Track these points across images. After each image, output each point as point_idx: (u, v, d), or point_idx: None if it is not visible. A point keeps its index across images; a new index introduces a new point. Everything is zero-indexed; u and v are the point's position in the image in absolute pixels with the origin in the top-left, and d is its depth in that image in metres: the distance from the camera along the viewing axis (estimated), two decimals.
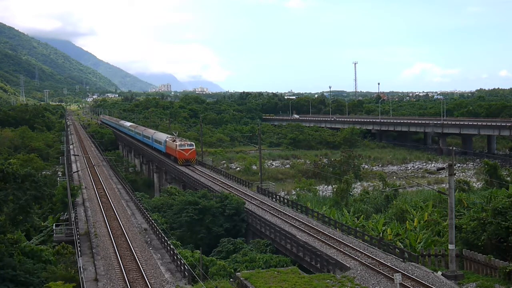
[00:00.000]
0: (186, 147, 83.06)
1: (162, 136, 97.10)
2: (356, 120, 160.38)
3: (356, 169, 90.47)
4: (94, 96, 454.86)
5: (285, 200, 56.58)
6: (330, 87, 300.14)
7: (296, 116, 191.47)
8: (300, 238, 39.50)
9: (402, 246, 38.02)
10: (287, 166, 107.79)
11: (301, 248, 37.52)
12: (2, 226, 35.70)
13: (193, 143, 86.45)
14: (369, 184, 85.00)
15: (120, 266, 34.95)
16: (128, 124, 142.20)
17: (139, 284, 31.86)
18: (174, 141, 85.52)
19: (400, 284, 28.18)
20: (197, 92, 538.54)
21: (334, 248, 36.99)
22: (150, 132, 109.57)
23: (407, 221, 46.11)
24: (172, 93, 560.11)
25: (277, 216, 47.81)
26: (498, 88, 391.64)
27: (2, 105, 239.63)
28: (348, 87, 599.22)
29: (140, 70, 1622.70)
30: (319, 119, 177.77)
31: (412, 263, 32.95)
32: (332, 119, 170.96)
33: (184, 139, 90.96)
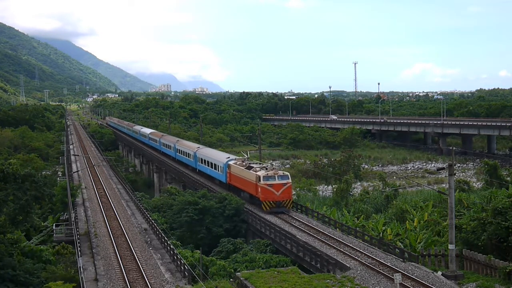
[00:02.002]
0: (277, 181, 47.73)
1: (218, 156, 63.28)
2: (356, 120, 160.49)
3: (356, 169, 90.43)
4: (94, 96, 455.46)
5: None
6: (330, 87, 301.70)
7: (334, 117, 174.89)
8: (300, 238, 39.48)
9: (402, 246, 38.00)
10: (287, 166, 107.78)
11: (301, 248, 37.50)
12: (2, 226, 35.69)
13: (288, 174, 49.86)
14: (369, 184, 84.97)
15: (120, 266, 34.96)
16: (147, 131, 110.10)
17: (139, 284, 31.86)
18: (249, 167, 51.66)
19: (400, 284, 28.18)
20: (197, 92, 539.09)
21: (334, 248, 36.97)
22: (190, 146, 76.58)
23: (407, 221, 46.09)
24: (172, 93, 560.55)
25: (277, 216, 47.77)
26: (498, 88, 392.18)
27: (2, 105, 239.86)
28: (348, 87, 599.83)
29: (140, 70, 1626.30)
30: (319, 119, 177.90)
31: (412, 263, 32.93)
32: (330, 118, 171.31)
33: (269, 165, 53.43)
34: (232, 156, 60.99)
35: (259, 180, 47.97)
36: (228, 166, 56.85)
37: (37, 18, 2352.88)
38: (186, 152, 75.95)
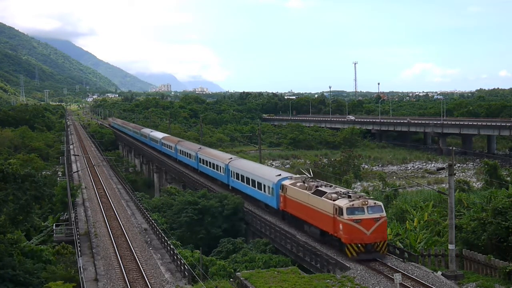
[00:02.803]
0: (368, 215, 33.67)
1: (263, 173, 50.09)
2: (356, 120, 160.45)
3: (356, 169, 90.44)
4: (94, 96, 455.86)
5: None
6: (330, 87, 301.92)
7: (351, 118, 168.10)
8: (300, 238, 39.46)
9: (402, 246, 37.98)
10: (287, 166, 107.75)
11: (301, 248, 37.47)
12: (2, 226, 35.71)
13: (381, 204, 35.38)
14: (369, 184, 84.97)
15: (120, 266, 34.97)
16: (159, 135, 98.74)
17: (139, 284, 31.86)
18: (318, 192, 37.62)
19: (400, 284, 28.16)
20: (197, 92, 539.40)
21: (334, 248, 36.91)
22: (219, 157, 63.98)
23: (407, 221, 46.04)
24: (172, 93, 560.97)
25: (277, 216, 47.73)
26: (498, 88, 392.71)
27: (2, 105, 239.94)
28: (348, 87, 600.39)
29: (140, 70, 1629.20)
30: (319, 119, 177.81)
31: (412, 263, 32.91)
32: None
33: (353, 192, 37.25)
34: (284, 173, 47.86)
35: (340, 214, 33.69)
36: (282, 187, 43.20)
37: (37, 18, 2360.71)
38: (214, 164, 63.37)
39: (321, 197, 36.55)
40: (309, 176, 42.24)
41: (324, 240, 37.14)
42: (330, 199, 35.36)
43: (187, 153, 76.53)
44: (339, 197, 35.24)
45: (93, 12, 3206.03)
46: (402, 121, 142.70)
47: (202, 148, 74.14)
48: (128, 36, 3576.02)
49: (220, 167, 60.88)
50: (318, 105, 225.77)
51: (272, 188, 45.69)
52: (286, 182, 43.11)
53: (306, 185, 40.45)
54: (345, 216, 33.46)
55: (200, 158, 69.83)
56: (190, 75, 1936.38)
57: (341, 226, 33.95)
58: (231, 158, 60.66)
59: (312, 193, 38.10)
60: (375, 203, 34.72)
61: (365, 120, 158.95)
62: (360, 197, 34.79)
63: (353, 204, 33.79)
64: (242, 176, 53.63)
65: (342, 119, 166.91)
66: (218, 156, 64.40)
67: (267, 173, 49.23)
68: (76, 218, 48.03)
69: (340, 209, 33.85)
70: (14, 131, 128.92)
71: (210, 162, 65.14)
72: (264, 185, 47.61)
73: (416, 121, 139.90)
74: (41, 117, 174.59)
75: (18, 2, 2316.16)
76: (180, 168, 77.82)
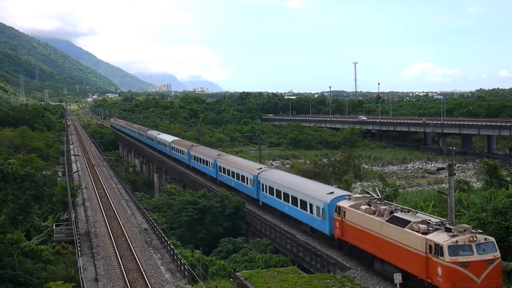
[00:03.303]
0: (477, 256, 24.43)
1: (306, 188, 41.54)
2: (356, 120, 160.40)
3: (356, 169, 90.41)
4: (94, 96, 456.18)
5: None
6: (330, 87, 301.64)
7: (364, 118, 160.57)
8: (300, 238, 39.44)
9: None
10: (287, 166, 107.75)
11: (301, 248, 37.47)
12: (2, 226, 35.71)
13: (493, 239, 25.73)
14: (369, 184, 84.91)
15: (120, 266, 34.98)
16: (168, 139, 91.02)
17: (139, 284, 31.87)
18: (395, 219, 28.48)
19: (400, 284, 28.13)
20: (197, 92, 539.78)
21: (334, 248, 36.89)
22: (245, 166, 56.12)
23: None
24: (172, 93, 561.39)
25: (277, 216, 47.72)
26: (498, 88, 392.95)
27: (2, 105, 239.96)
28: (348, 87, 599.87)
29: (140, 70, 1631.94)
30: (319, 119, 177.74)
31: None
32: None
33: (448, 221, 28.41)
34: (337, 190, 39.03)
35: (439, 253, 24.71)
36: (338, 209, 34.03)
37: (37, 18, 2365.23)
38: (238, 174, 55.28)
39: (403, 227, 27.46)
40: (377, 196, 33.52)
41: (408, 284, 27.67)
42: (418, 231, 26.29)
43: (204, 160, 68.11)
44: (431, 228, 26.27)
45: (93, 12, 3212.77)
46: (417, 121, 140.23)
47: (222, 154, 66.11)
48: (128, 36, 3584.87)
49: (247, 178, 52.63)
50: (318, 105, 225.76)
51: (322, 209, 36.77)
52: (344, 204, 33.91)
53: (373, 208, 31.37)
54: (447, 257, 24.36)
55: (220, 166, 61.53)
56: (190, 75, 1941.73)
57: (440, 271, 24.80)
58: (261, 168, 52.05)
59: (386, 221, 29.06)
60: (485, 238, 25.52)
61: (365, 120, 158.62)
62: (465, 230, 25.35)
63: (457, 241, 24.68)
64: (278, 191, 44.99)
65: (354, 119, 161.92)
66: (244, 166, 56.07)
67: (314, 190, 40.25)
68: (76, 218, 48.04)
69: (439, 247, 24.73)
70: (14, 131, 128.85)
71: (233, 172, 56.96)
72: (311, 205, 38.68)
73: (417, 121, 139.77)
74: (41, 117, 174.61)
75: (18, 2, 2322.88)
76: (196, 177, 69.57)
